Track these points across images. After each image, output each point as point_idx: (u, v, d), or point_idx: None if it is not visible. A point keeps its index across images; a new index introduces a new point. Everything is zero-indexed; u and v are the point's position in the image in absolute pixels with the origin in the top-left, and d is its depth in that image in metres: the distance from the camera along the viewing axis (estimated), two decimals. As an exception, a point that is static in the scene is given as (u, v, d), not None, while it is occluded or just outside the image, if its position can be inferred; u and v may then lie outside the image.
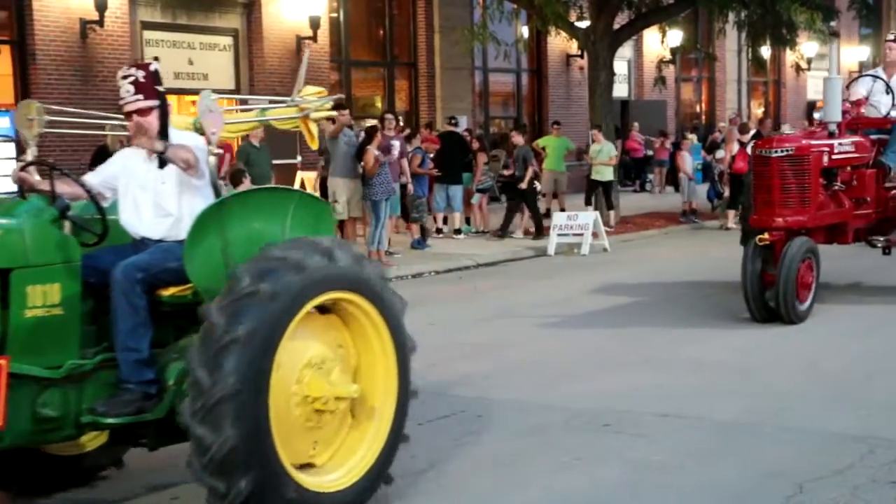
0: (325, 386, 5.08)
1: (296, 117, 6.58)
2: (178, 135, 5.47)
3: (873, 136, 11.34)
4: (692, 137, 26.50)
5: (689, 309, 11.23)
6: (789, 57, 26.82)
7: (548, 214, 20.05)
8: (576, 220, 17.28)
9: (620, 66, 27.24)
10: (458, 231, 18.63)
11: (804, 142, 10.59)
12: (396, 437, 5.48)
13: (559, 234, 17.15)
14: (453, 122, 20.25)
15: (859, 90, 11.77)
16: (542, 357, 9.21)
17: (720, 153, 22.27)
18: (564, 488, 5.82)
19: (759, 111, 34.71)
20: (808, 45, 26.12)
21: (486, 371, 8.66)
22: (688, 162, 21.66)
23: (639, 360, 8.96)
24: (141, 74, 5.33)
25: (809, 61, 30.61)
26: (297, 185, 17.17)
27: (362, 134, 15.65)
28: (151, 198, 5.38)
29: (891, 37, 11.89)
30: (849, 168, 11.02)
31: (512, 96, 27.00)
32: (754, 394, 7.71)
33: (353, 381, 5.31)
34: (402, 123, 19.25)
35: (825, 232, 10.83)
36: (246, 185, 13.61)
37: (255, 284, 4.75)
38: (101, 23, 17.07)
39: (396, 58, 23.63)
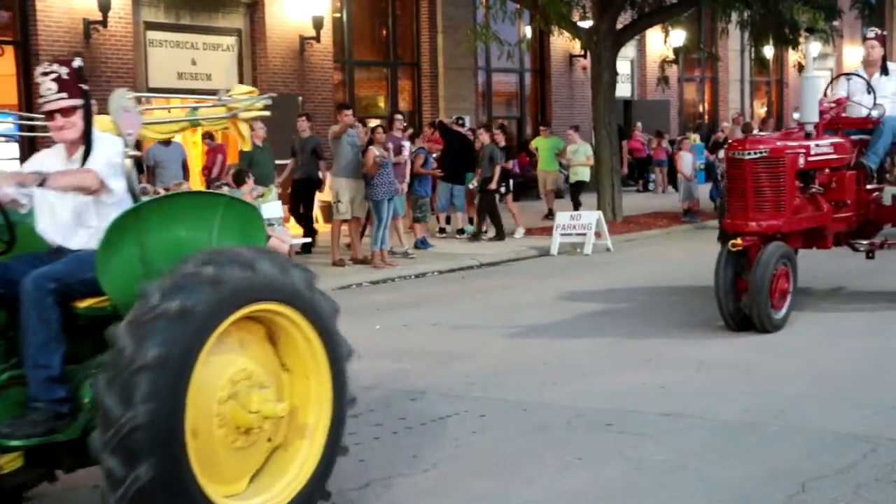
0: (247, 416, 4.72)
1: (224, 117, 6.22)
2: (98, 136, 5.08)
3: (854, 137, 10.95)
4: (695, 137, 26.50)
5: (691, 309, 11.21)
6: (792, 56, 26.77)
7: (550, 214, 20.09)
8: (579, 220, 17.30)
9: (623, 66, 27.29)
10: (461, 231, 18.64)
11: (779, 143, 10.22)
12: (330, 458, 5.08)
13: (562, 234, 17.15)
14: (460, 122, 20.26)
15: (838, 91, 11.47)
16: (544, 357, 9.21)
17: (723, 153, 22.19)
18: (567, 488, 5.82)
19: (761, 111, 34.75)
20: (810, 45, 26.10)
21: (488, 371, 8.66)
22: (686, 162, 21.59)
23: (641, 359, 8.95)
24: (64, 71, 4.94)
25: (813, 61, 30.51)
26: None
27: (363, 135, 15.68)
28: (70, 205, 4.96)
29: (871, 35, 11.58)
30: (828, 170, 10.62)
31: (515, 96, 27.02)
32: (756, 393, 7.70)
33: (283, 397, 4.94)
34: (405, 123, 19.27)
35: (803, 236, 10.44)
36: (249, 185, 13.68)
37: (166, 303, 4.38)
38: (104, 23, 17.10)
39: (399, 58, 23.65)
